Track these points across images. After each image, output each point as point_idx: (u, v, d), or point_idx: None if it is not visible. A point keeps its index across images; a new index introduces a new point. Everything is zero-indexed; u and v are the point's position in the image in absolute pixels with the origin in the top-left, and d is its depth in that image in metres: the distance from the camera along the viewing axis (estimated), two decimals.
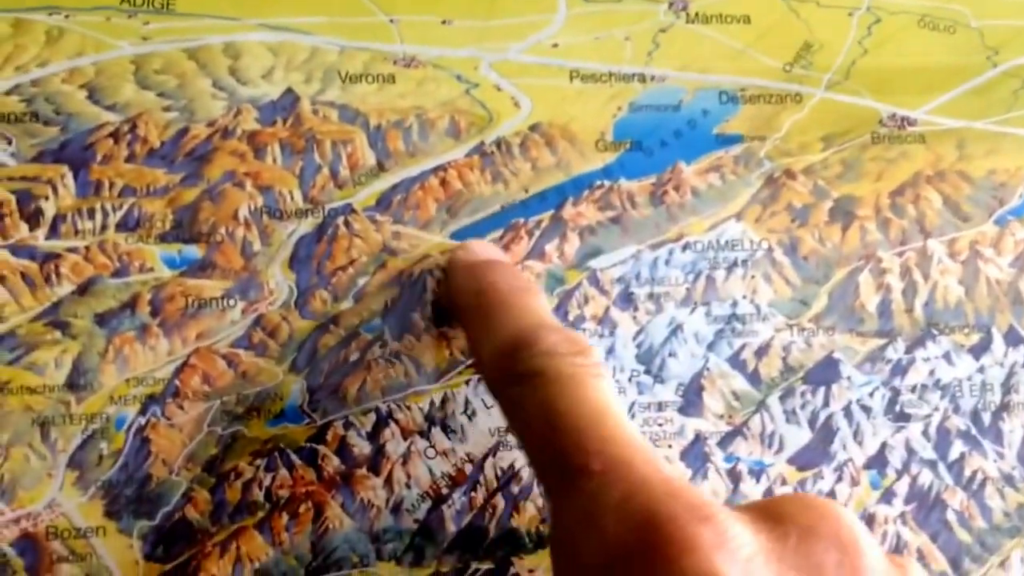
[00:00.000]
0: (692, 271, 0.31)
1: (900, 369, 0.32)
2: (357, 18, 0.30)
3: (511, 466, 0.30)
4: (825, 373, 0.32)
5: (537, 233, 0.31)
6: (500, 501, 0.30)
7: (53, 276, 0.28)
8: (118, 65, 0.29)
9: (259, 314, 0.29)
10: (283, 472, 0.28)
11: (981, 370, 0.32)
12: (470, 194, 0.30)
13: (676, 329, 0.31)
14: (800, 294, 0.32)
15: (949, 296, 0.33)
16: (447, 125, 0.30)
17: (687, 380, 0.31)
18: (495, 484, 0.30)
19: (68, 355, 0.28)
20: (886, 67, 0.33)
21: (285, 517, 0.28)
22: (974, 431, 0.32)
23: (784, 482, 0.31)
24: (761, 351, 0.31)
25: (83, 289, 0.28)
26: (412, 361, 0.29)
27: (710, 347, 0.31)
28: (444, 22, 0.30)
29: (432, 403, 0.29)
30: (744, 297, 0.31)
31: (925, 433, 0.32)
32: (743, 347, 0.31)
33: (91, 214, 0.28)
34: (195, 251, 0.29)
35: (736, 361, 0.31)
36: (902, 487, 0.32)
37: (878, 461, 0.32)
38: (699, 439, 0.31)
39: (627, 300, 0.31)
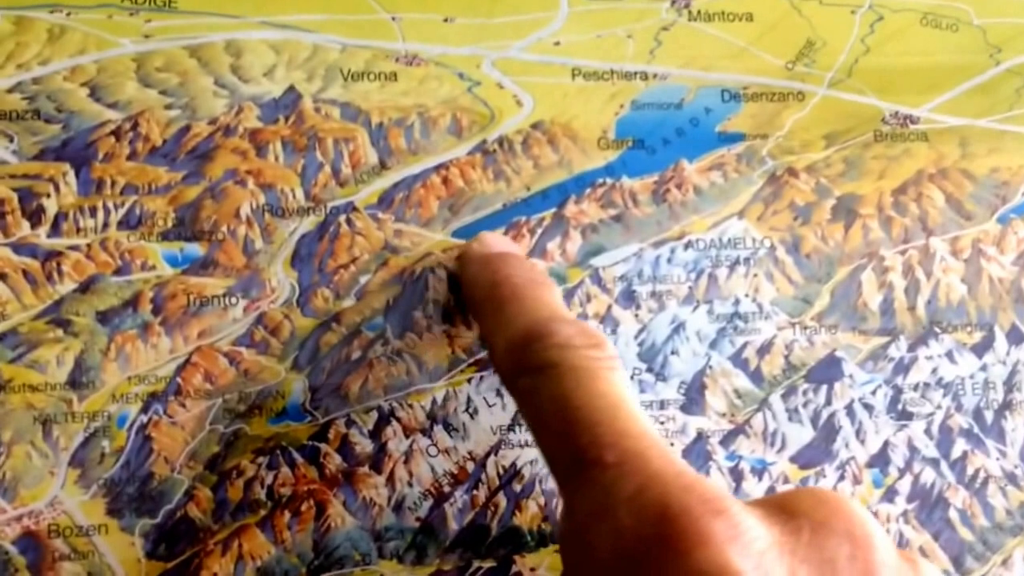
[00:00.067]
0: (694, 269, 0.31)
1: (902, 367, 0.32)
2: (359, 16, 0.30)
3: (513, 464, 0.30)
4: (827, 371, 0.32)
5: (539, 231, 0.31)
6: (502, 499, 0.30)
7: (55, 274, 0.28)
8: (120, 63, 0.29)
9: (261, 312, 0.29)
10: (285, 470, 0.28)
11: (983, 368, 0.32)
12: (472, 192, 0.30)
13: (678, 327, 0.31)
14: (802, 292, 0.32)
15: (952, 294, 0.33)
16: (449, 123, 0.30)
17: (689, 378, 0.31)
18: (497, 482, 0.30)
19: (70, 353, 0.28)
20: (889, 65, 0.33)
21: (287, 515, 0.28)
22: (976, 429, 0.32)
23: (786, 480, 0.31)
24: (763, 349, 0.31)
25: (85, 287, 0.28)
26: (414, 359, 0.29)
27: (712, 345, 0.31)
28: (446, 20, 0.30)
29: (434, 401, 0.29)
30: (746, 295, 0.31)
31: (927, 431, 0.32)
32: (745, 345, 0.31)
33: (93, 212, 0.28)
34: (197, 249, 0.29)
35: (738, 359, 0.31)
36: (904, 485, 0.32)
37: (880, 459, 0.32)
38: (701, 437, 0.31)
39: (629, 298, 0.31)
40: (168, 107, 0.29)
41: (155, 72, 0.29)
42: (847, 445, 0.31)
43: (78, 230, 0.28)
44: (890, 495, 0.32)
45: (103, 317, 0.28)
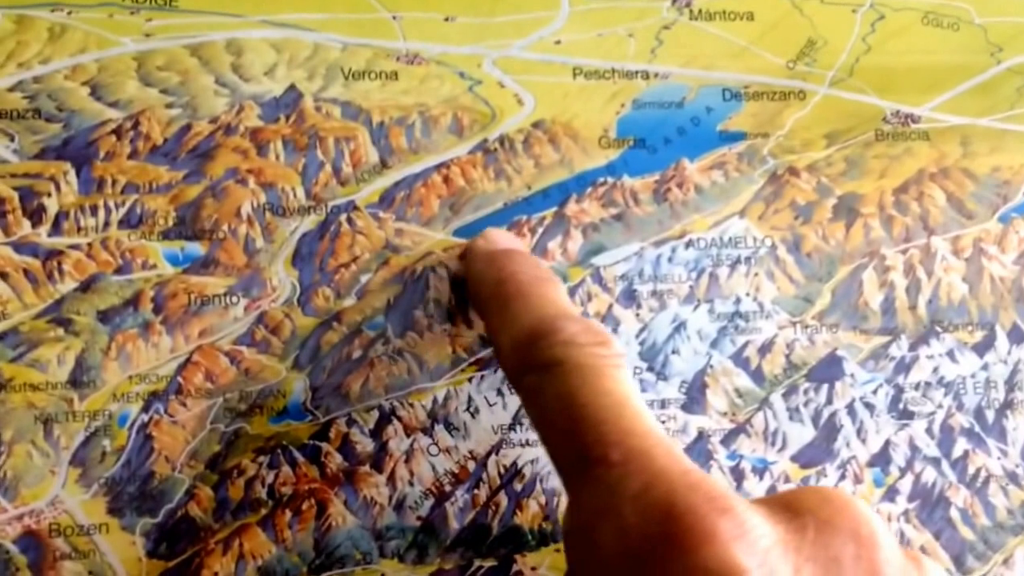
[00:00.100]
0: (695, 268, 0.31)
1: (904, 367, 0.32)
2: (360, 15, 0.30)
3: (514, 463, 0.30)
4: (828, 370, 0.32)
5: (540, 230, 0.31)
6: (503, 498, 0.30)
7: (56, 273, 0.28)
8: (121, 62, 0.29)
9: (262, 311, 0.29)
10: (286, 469, 0.28)
11: (985, 367, 0.32)
12: (473, 191, 0.30)
13: (679, 326, 0.31)
14: (803, 291, 0.32)
15: (953, 293, 0.33)
16: (450, 122, 0.30)
17: (690, 377, 0.31)
18: (498, 481, 0.30)
19: (71, 352, 0.28)
20: (890, 64, 0.32)
21: (288, 514, 0.28)
22: (978, 429, 0.32)
23: (787, 479, 0.31)
24: (764, 348, 0.31)
25: (86, 286, 0.28)
26: (415, 358, 0.29)
27: (713, 344, 0.31)
28: (447, 19, 0.30)
29: (435, 400, 0.29)
30: (747, 294, 0.31)
31: (929, 431, 0.32)
32: (746, 344, 0.31)
33: (94, 211, 0.28)
34: (198, 248, 0.29)
35: (739, 358, 0.31)
36: (905, 485, 0.32)
37: (881, 459, 0.32)
38: (702, 437, 0.31)
39: (630, 297, 0.31)
40: (169, 106, 0.29)
41: (156, 71, 0.29)
42: (848, 444, 0.31)
43: (79, 229, 0.28)
44: (891, 494, 0.32)
45: (104, 316, 0.28)
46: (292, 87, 0.29)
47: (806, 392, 0.32)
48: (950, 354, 0.32)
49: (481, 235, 0.29)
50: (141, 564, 0.27)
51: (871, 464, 0.32)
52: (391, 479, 0.29)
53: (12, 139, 0.28)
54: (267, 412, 0.29)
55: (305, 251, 0.29)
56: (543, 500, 0.30)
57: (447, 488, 0.29)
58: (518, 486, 0.30)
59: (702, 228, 0.31)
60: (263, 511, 0.28)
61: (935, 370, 0.32)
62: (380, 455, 0.29)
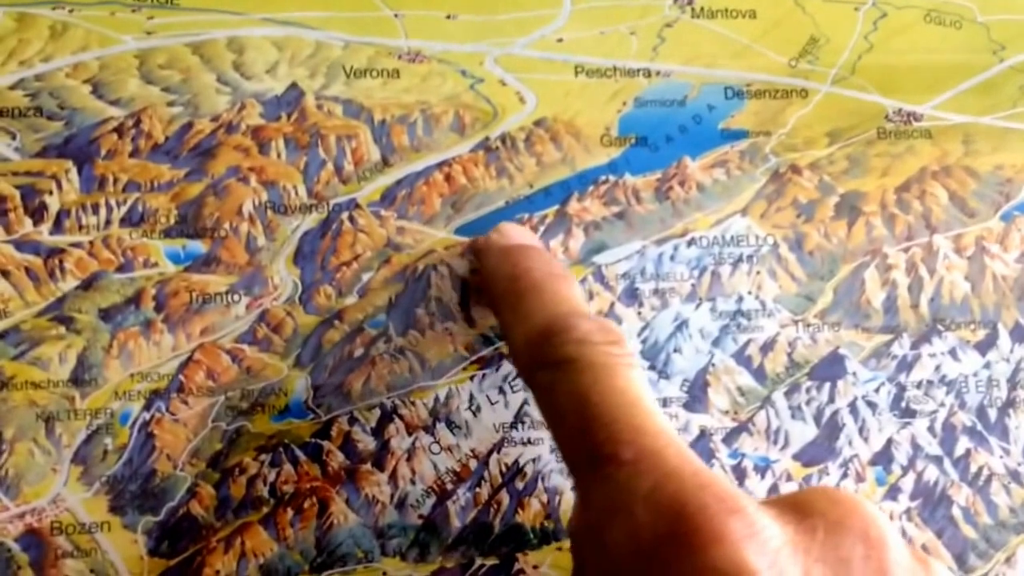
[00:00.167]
0: (697, 267, 0.31)
1: (906, 365, 0.32)
2: (362, 13, 0.30)
3: (515, 462, 0.30)
4: (830, 369, 0.32)
5: (542, 229, 0.30)
6: (505, 497, 0.30)
7: (57, 271, 0.28)
8: (122, 60, 0.29)
9: (263, 309, 0.29)
10: (288, 468, 0.28)
11: (987, 366, 0.32)
12: (475, 189, 0.30)
13: (681, 325, 0.31)
14: (805, 290, 0.32)
15: (955, 292, 0.32)
16: (452, 120, 0.30)
17: (692, 376, 0.31)
18: (500, 480, 0.30)
19: (72, 350, 0.28)
20: (892, 62, 0.32)
21: (290, 513, 0.28)
22: (980, 427, 0.32)
23: (789, 478, 0.31)
24: (766, 347, 0.31)
25: (87, 284, 0.28)
26: (416, 357, 0.29)
27: (715, 343, 0.31)
28: (449, 17, 0.30)
29: (437, 399, 0.29)
30: (749, 293, 0.31)
31: (931, 429, 0.32)
32: (748, 343, 0.31)
33: (95, 209, 0.28)
34: (199, 246, 0.29)
35: (741, 357, 0.31)
36: (907, 483, 0.32)
37: (883, 457, 0.32)
38: (704, 435, 0.31)
39: (632, 296, 0.31)
40: (170, 104, 0.29)
41: (157, 69, 0.29)
42: (850, 443, 0.31)
43: (80, 227, 0.28)
44: (893, 493, 0.32)
45: (105, 314, 0.28)
46: (294, 85, 0.29)
47: (808, 390, 0.32)
48: (952, 352, 0.32)
49: (496, 229, 0.29)
50: (143, 562, 0.27)
51: (873, 463, 0.32)
52: (393, 477, 0.29)
53: (14, 137, 0.28)
54: (269, 410, 0.28)
55: (307, 249, 0.29)
56: (545, 498, 0.30)
57: (449, 486, 0.29)
58: (520, 484, 0.30)
59: (704, 226, 0.31)
60: (265, 509, 0.28)
61: (937, 368, 0.32)
62: (382, 453, 0.29)
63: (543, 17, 0.30)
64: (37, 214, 0.28)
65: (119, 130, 0.28)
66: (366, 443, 0.29)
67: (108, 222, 0.28)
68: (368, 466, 0.29)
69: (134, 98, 0.28)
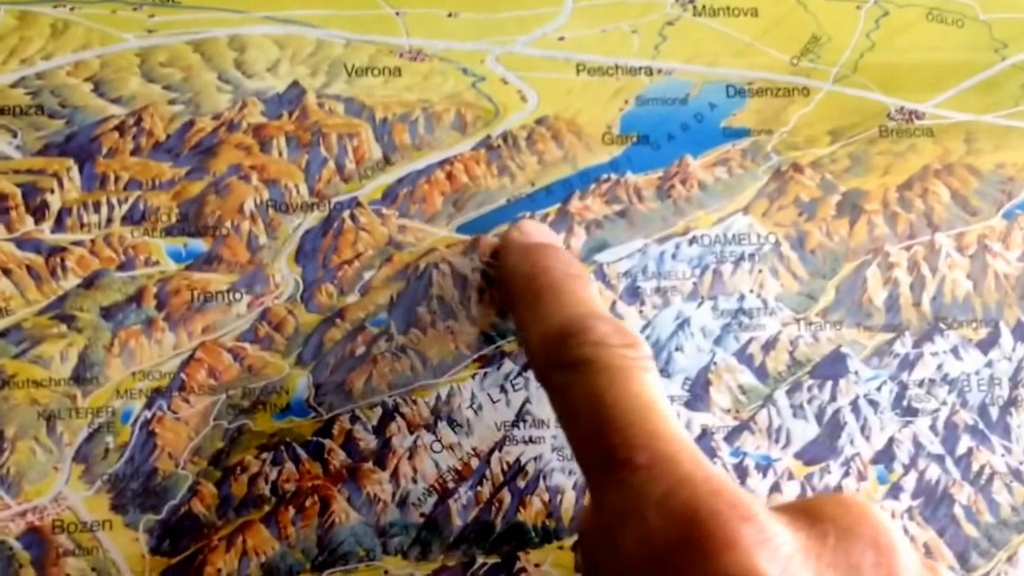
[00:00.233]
0: (699, 265, 0.31)
1: (907, 364, 0.32)
2: (363, 11, 0.30)
3: (517, 460, 0.30)
4: (832, 367, 0.32)
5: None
6: (506, 495, 0.30)
7: (59, 269, 0.28)
8: (123, 58, 0.28)
9: (265, 308, 0.29)
10: (289, 466, 0.28)
11: (989, 365, 0.32)
12: (476, 188, 0.30)
13: (683, 323, 0.31)
14: (807, 288, 0.32)
15: (957, 290, 0.32)
16: (453, 118, 0.30)
17: (694, 374, 0.31)
18: (501, 478, 0.30)
19: (74, 349, 0.28)
20: (894, 61, 0.32)
21: (291, 511, 0.28)
22: (982, 426, 0.32)
23: (791, 477, 0.31)
24: (768, 345, 0.31)
25: (89, 282, 0.28)
26: (418, 355, 0.29)
27: (717, 341, 0.31)
28: (450, 15, 0.30)
29: (438, 397, 0.29)
30: (751, 291, 0.31)
31: (933, 428, 0.32)
32: (750, 341, 0.31)
33: (96, 207, 0.28)
34: (201, 245, 0.29)
35: (743, 355, 0.31)
36: (909, 482, 0.32)
37: (885, 456, 0.32)
38: (705, 434, 0.31)
39: (633, 294, 0.31)
40: (172, 102, 0.29)
41: (159, 67, 0.29)
42: (852, 441, 0.31)
43: (82, 225, 0.28)
44: (895, 491, 0.31)
45: (107, 313, 0.28)
46: (295, 83, 0.29)
47: (810, 389, 0.31)
48: (954, 351, 0.32)
49: (516, 227, 0.29)
50: (144, 561, 0.27)
51: (875, 461, 0.31)
52: (394, 476, 0.29)
53: (15, 135, 0.28)
54: (270, 409, 0.28)
55: (308, 248, 0.29)
56: (546, 497, 0.30)
57: (450, 485, 0.29)
58: (521, 483, 0.30)
59: (706, 225, 0.31)
60: (266, 508, 0.28)
61: (939, 367, 0.32)
62: (383, 452, 0.29)
63: (544, 15, 0.30)
64: (38, 212, 0.28)
65: (120, 128, 0.28)
66: (368, 441, 0.29)
67: (109, 220, 0.28)
68: (370, 464, 0.29)
69: (135, 96, 0.28)
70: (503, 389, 0.30)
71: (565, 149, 0.31)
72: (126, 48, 0.28)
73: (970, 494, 0.32)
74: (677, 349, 0.31)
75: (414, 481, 0.29)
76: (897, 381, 0.32)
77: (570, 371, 0.24)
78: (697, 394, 0.31)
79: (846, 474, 0.31)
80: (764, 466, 0.31)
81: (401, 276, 0.30)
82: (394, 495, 0.29)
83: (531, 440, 0.30)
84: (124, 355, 0.28)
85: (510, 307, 0.29)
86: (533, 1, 0.30)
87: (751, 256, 0.31)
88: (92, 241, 0.28)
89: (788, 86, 0.32)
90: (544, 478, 0.30)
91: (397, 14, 0.30)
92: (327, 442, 0.29)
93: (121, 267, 0.28)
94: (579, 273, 0.27)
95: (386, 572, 0.29)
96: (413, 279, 0.30)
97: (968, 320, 0.32)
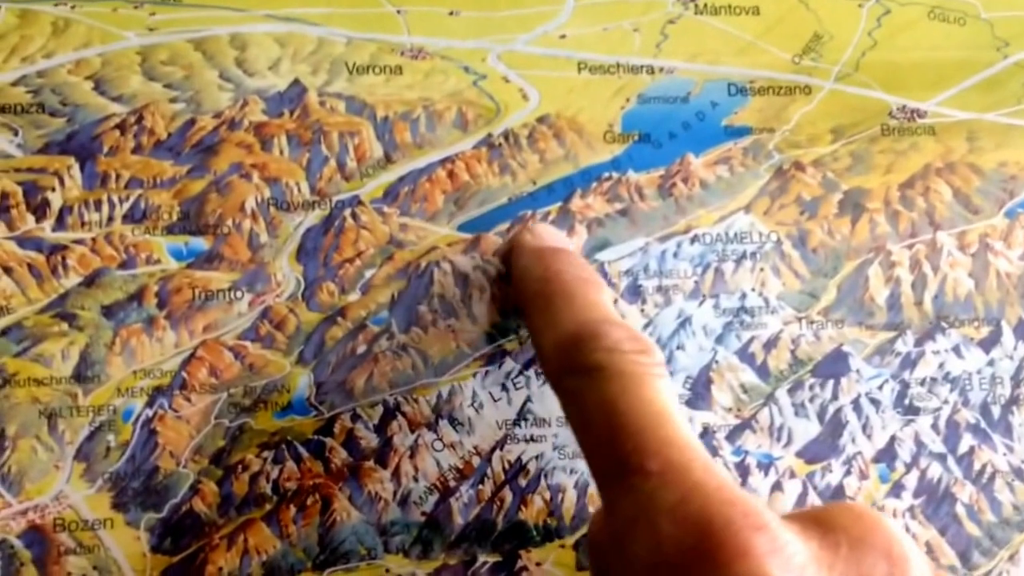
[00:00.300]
0: (700, 264, 0.31)
1: (909, 362, 0.32)
2: (364, 9, 0.30)
3: (518, 459, 0.30)
4: (834, 366, 0.32)
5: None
6: (508, 494, 0.30)
7: (60, 268, 0.28)
8: (124, 56, 0.28)
9: (266, 306, 0.29)
10: (290, 464, 0.28)
11: (991, 363, 0.32)
12: (478, 186, 0.30)
13: (684, 322, 0.31)
14: (809, 287, 0.32)
15: (959, 289, 0.32)
16: (455, 117, 0.30)
17: (695, 373, 0.31)
18: (503, 477, 0.30)
19: (75, 347, 0.28)
20: (896, 59, 0.32)
21: (292, 510, 0.28)
22: (983, 424, 0.32)
23: (792, 475, 0.31)
24: (770, 344, 0.31)
25: (90, 281, 0.28)
26: (419, 353, 0.29)
27: (718, 340, 0.31)
28: (451, 13, 0.30)
29: (439, 396, 0.29)
30: (753, 290, 0.31)
31: (934, 426, 0.32)
32: (751, 340, 0.31)
33: (98, 206, 0.28)
34: (202, 243, 0.29)
35: (744, 354, 0.31)
36: (911, 480, 0.32)
37: (887, 454, 0.32)
38: (707, 432, 0.31)
39: (635, 293, 0.31)
40: (173, 100, 0.29)
41: (160, 65, 0.29)
42: (854, 440, 0.31)
43: (83, 224, 0.28)
44: (897, 490, 0.31)
45: (108, 311, 0.28)
46: (296, 82, 0.29)
47: (811, 388, 0.31)
48: (956, 350, 0.32)
49: (528, 230, 0.29)
50: (146, 559, 0.27)
51: (876, 460, 0.31)
52: (395, 474, 0.29)
53: (16, 133, 0.28)
54: (271, 407, 0.28)
55: (309, 246, 0.29)
56: (548, 496, 0.30)
57: (452, 483, 0.29)
58: (523, 482, 0.30)
59: (707, 223, 0.31)
60: (267, 506, 0.28)
61: (941, 366, 0.32)
62: (384, 450, 0.29)
63: (546, 13, 0.30)
64: (40, 211, 0.28)
65: (121, 127, 0.28)
66: (369, 440, 0.29)
67: (111, 219, 0.28)
68: (371, 463, 0.29)
69: (136, 95, 0.28)
70: (504, 387, 0.30)
71: (566, 147, 0.31)
72: (127, 46, 0.28)
73: (972, 493, 0.32)
74: (679, 348, 0.31)
75: (415, 480, 0.29)
76: (899, 380, 0.32)
77: (583, 377, 0.24)
78: (699, 393, 0.31)
79: (848, 473, 0.31)
80: (766, 465, 0.31)
81: (402, 274, 0.30)
82: (395, 494, 0.29)
83: (532, 439, 0.30)
84: (125, 353, 0.28)
85: (522, 310, 0.29)
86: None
87: (753, 255, 0.31)
88: (93, 239, 0.28)
89: (790, 84, 0.32)
90: (545, 477, 0.30)
91: (398, 12, 0.30)
92: (328, 441, 0.29)
93: (122, 265, 0.28)
94: (592, 278, 0.27)
95: (387, 571, 0.29)
96: (414, 277, 0.30)
97: (970, 319, 0.32)
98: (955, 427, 0.32)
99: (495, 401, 0.30)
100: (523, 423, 0.30)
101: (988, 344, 0.32)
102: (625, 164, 0.31)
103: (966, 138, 0.33)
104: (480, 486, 0.29)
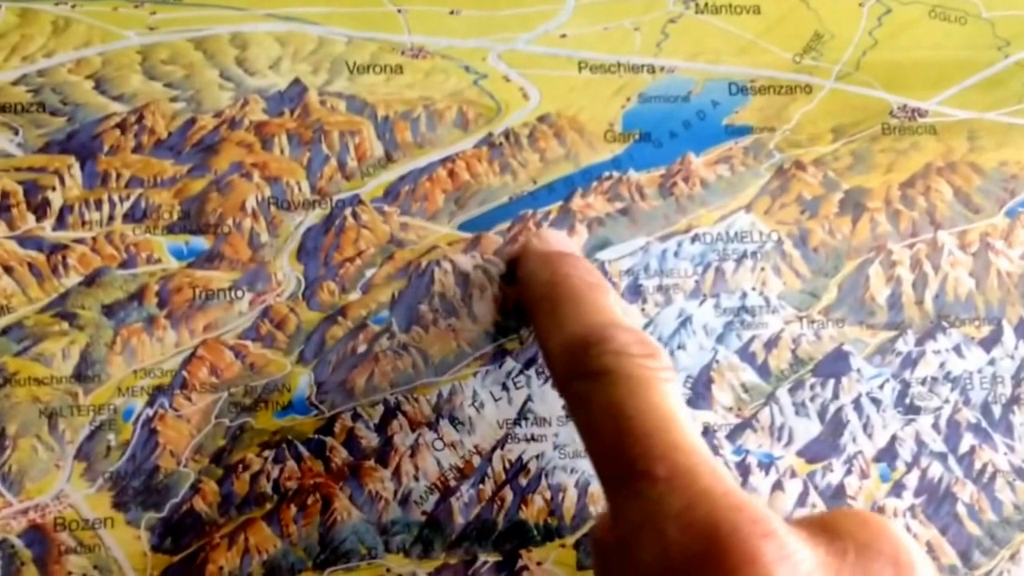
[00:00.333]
0: (701, 263, 0.31)
1: (910, 361, 0.32)
2: (365, 8, 0.30)
3: (519, 458, 0.30)
4: (835, 365, 0.32)
5: (546, 225, 0.30)
6: (508, 493, 0.30)
7: (60, 267, 0.28)
8: (125, 55, 0.28)
9: (267, 305, 0.29)
10: (291, 464, 0.28)
11: (991, 363, 0.32)
12: (478, 185, 0.30)
13: (685, 321, 0.31)
14: (810, 286, 0.32)
15: (959, 288, 0.32)
16: (455, 116, 0.30)
17: (696, 372, 0.31)
18: (503, 476, 0.30)
19: (76, 346, 0.28)
20: (896, 58, 0.32)
21: (293, 509, 0.28)
22: (984, 424, 0.32)
23: (793, 475, 0.31)
24: (770, 343, 0.31)
25: (90, 280, 0.28)
26: (420, 353, 0.29)
27: (719, 339, 0.31)
28: (452, 12, 0.30)
29: (440, 395, 0.29)
30: (753, 289, 0.31)
31: (935, 426, 0.32)
32: (752, 339, 0.31)
33: (98, 205, 0.28)
34: (202, 242, 0.29)
35: (745, 353, 0.31)
36: (912, 480, 0.32)
37: (888, 454, 0.32)
38: (708, 432, 0.31)
39: (636, 292, 0.31)
40: (173, 100, 0.29)
41: (160, 64, 0.29)
42: (854, 439, 0.31)
43: (83, 223, 0.28)
44: (897, 489, 0.31)
45: (109, 310, 0.28)
46: (297, 81, 0.29)
47: (812, 387, 0.31)
48: (957, 349, 0.32)
49: (535, 234, 0.29)
50: (146, 558, 0.27)
51: (877, 459, 0.31)
52: (396, 474, 0.29)
53: (16, 133, 0.28)
54: (272, 406, 0.28)
55: (310, 245, 0.29)
56: (548, 495, 0.30)
57: (452, 483, 0.29)
58: (523, 481, 0.30)
59: (708, 222, 0.31)
60: (268, 506, 0.28)
61: (941, 365, 0.32)
62: (385, 450, 0.29)
63: (546, 12, 0.30)
64: (40, 210, 0.28)
65: (122, 126, 0.28)
66: (369, 439, 0.29)
67: (111, 218, 0.28)
68: (371, 462, 0.29)
69: (137, 94, 0.28)
70: (505, 387, 0.30)
71: (567, 147, 0.31)
72: (127, 45, 0.28)
73: (973, 492, 0.32)
74: (679, 347, 0.31)
75: (416, 479, 0.29)
76: (899, 379, 0.32)
77: (590, 381, 0.24)
78: (699, 392, 0.31)
79: (848, 472, 0.31)
80: (766, 464, 0.31)
81: (403, 274, 0.30)
82: (396, 493, 0.29)
83: (533, 438, 0.30)
84: (126, 353, 0.28)
85: (528, 314, 0.29)
86: None
87: (753, 254, 0.31)
88: (94, 239, 0.28)
89: (791, 84, 0.32)
90: (546, 476, 0.30)
91: (399, 11, 0.30)
92: (329, 440, 0.29)
93: (123, 265, 0.28)
94: (599, 282, 0.27)
95: (388, 570, 0.29)
96: (415, 277, 0.30)
97: (970, 318, 0.32)
98: (956, 426, 0.32)
99: (496, 400, 0.30)
100: (524, 422, 0.30)
101: (989, 343, 0.32)
102: (626, 163, 0.31)
103: (967, 137, 0.33)
104: (481, 485, 0.29)
